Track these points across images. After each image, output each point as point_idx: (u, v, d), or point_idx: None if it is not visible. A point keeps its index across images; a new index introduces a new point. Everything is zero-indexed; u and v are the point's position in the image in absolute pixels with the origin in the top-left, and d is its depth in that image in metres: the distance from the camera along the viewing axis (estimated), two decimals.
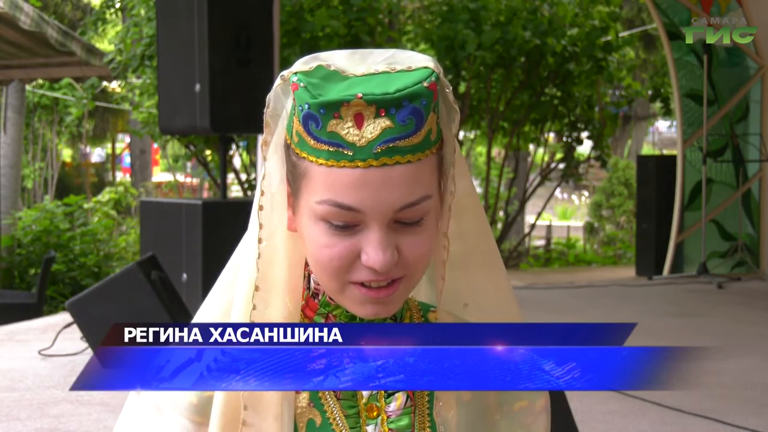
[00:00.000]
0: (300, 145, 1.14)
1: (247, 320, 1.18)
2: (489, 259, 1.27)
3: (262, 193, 1.18)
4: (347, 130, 1.10)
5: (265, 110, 1.18)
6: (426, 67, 1.13)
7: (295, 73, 1.14)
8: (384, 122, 1.10)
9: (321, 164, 1.12)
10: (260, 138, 8.41)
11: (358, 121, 1.10)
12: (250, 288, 1.19)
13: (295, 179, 1.16)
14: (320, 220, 1.13)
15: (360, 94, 1.09)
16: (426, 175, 1.14)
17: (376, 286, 1.15)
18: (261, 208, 1.18)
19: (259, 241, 1.18)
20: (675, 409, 4.88)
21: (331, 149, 1.11)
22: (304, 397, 1.21)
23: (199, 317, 1.25)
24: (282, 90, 1.17)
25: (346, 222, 1.13)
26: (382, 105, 1.10)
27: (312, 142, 1.12)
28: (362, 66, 1.13)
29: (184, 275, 6.38)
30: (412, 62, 1.14)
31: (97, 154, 25.20)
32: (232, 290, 1.22)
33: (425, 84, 1.11)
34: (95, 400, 4.92)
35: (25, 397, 4.96)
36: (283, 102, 1.17)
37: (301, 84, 1.12)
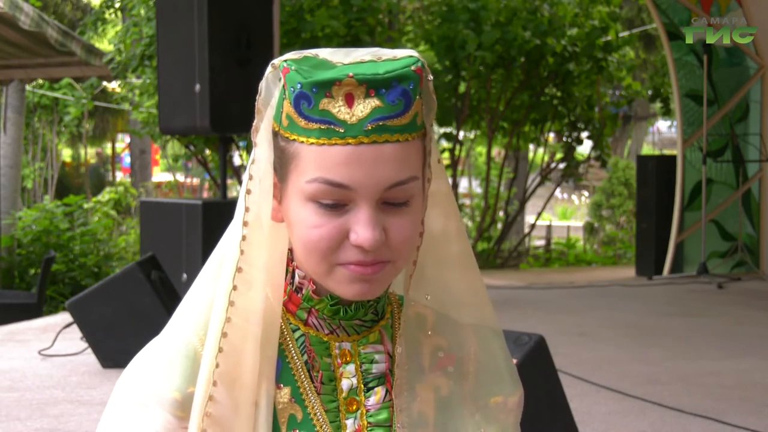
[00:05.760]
0: (290, 128, 1.17)
1: (227, 301, 1.19)
2: (465, 260, 1.30)
3: (251, 178, 1.21)
4: (338, 109, 1.14)
5: (257, 97, 1.21)
6: (411, 56, 1.17)
7: (285, 60, 1.17)
8: (374, 102, 1.14)
9: (312, 143, 1.15)
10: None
11: (349, 101, 1.14)
12: (232, 270, 1.21)
13: (282, 165, 1.19)
14: (309, 201, 1.16)
15: (351, 74, 1.13)
16: (413, 157, 1.17)
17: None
18: (249, 192, 1.21)
19: (245, 224, 1.20)
20: (675, 409, 4.88)
21: (322, 127, 1.14)
22: (285, 392, 1.23)
23: (182, 309, 1.26)
24: (272, 78, 1.20)
25: (335, 200, 1.15)
26: (372, 85, 1.13)
27: (303, 122, 1.15)
28: (348, 58, 1.16)
29: (184, 275, 6.38)
30: (396, 53, 1.18)
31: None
32: (215, 281, 1.23)
33: (413, 68, 1.15)
34: (95, 400, 4.92)
35: (25, 397, 4.96)
36: (272, 90, 1.20)
37: (293, 68, 1.16)
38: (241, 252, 1.20)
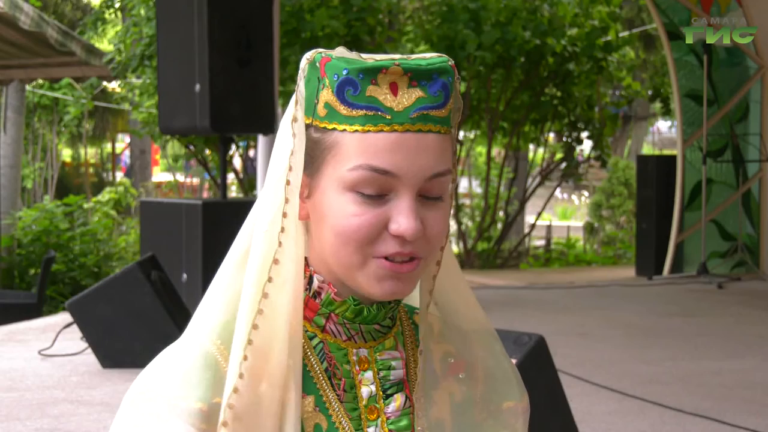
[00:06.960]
0: (329, 117, 1.16)
1: (259, 293, 1.16)
2: (454, 263, 1.30)
3: (290, 169, 1.18)
4: (384, 96, 1.14)
5: (296, 88, 1.20)
6: (441, 56, 1.18)
7: (320, 52, 1.17)
8: (417, 92, 1.15)
9: (355, 130, 1.14)
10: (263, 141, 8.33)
11: (393, 89, 1.14)
12: (267, 261, 1.17)
13: (315, 158, 1.17)
14: (348, 190, 1.15)
15: (398, 62, 1.14)
16: (448, 150, 1.18)
17: (399, 260, 1.16)
18: (288, 183, 1.18)
19: (284, 215, 1.18)
20: (675, 409, 4.88)
21: (369, 113, 1.14)
22: (309, 401, 1.21)
23: (197, 316, 1.22)
24: (303, 72, 1.19)
25: (377, 189, 1.14)
26: (415, 76, 1.15)
27: (345, 110, 1.15)
28: (377, 57, 1.16)
29: (184, 275, 6.38)
30: (424, 55, 1.18)
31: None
32: (233, 284, 1.20)
33: (449, 63, 1.17)
34: (95, 400, 4.92)
35: (25, 397, 4.96)
36: (303, 83, 1.19)
37: (333, 56, 1.16)
38: (279, 244, 1.17)
